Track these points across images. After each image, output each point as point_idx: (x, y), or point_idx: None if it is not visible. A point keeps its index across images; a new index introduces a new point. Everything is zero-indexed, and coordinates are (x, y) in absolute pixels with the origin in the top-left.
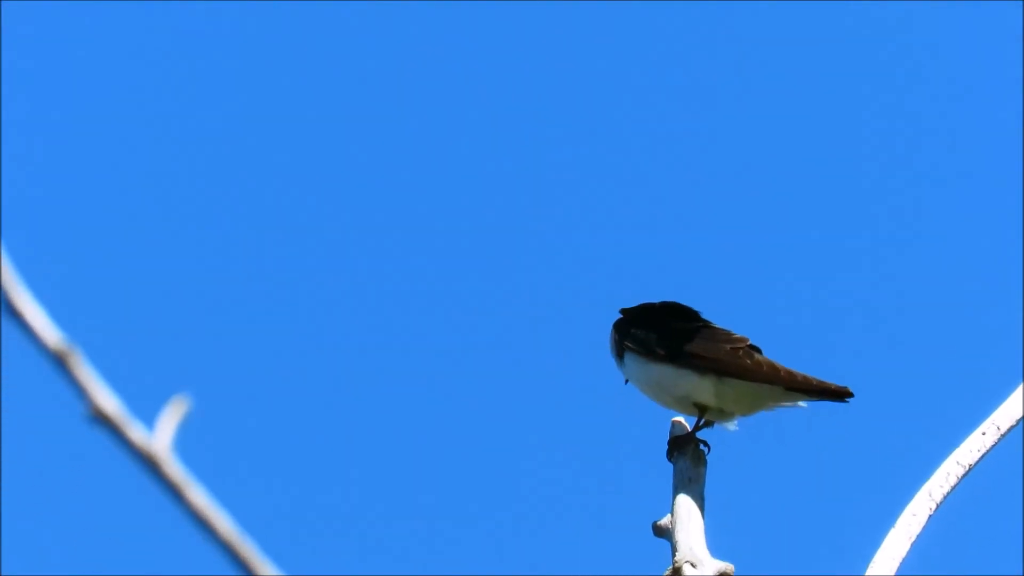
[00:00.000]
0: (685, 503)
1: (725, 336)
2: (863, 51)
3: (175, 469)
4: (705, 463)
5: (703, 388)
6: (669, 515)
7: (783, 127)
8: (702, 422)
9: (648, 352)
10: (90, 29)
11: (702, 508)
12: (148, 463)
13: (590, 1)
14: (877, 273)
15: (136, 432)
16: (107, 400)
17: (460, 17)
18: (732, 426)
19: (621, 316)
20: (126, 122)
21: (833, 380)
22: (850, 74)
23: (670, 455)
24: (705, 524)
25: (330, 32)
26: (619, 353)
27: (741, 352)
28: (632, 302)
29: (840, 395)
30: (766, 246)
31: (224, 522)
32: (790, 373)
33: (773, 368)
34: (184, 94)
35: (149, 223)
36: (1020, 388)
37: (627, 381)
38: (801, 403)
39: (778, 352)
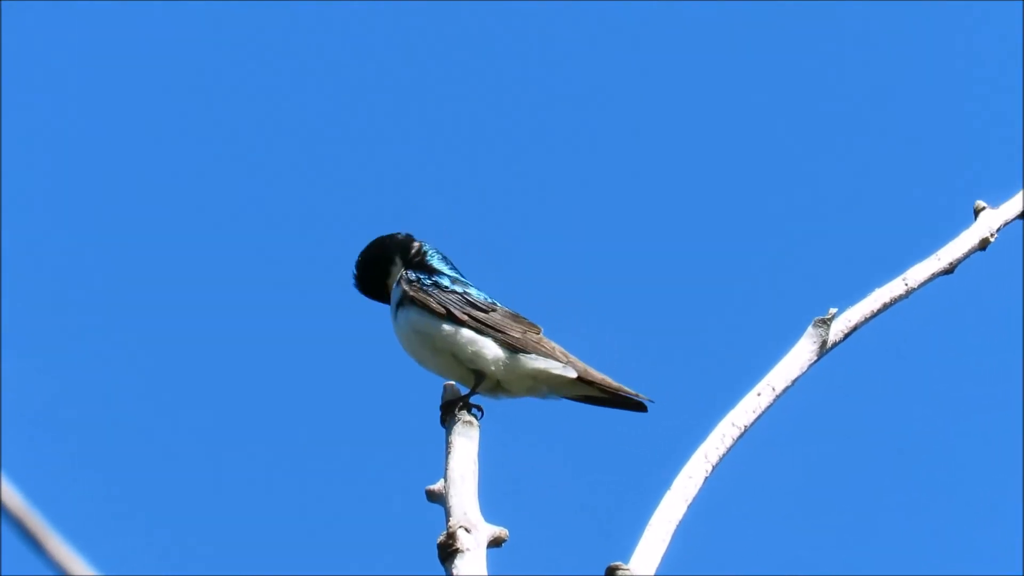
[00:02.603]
0: (458, 468)
1: (518, 318)
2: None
3: None
4: (478, 428)
5: (495, 357)
6: (442, 480)
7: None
8: (476, 388)
9: (439, 311)
10: (89, 29)
11: (475, 473)
12: None
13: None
14: (642, 235)
15: None
16: None
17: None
18: (496, 400)
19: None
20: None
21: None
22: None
23: (443, 420)
24: (479, 489)
25: (326, 31)
26: (401, 303)
27: (537, 335)
28: None
29: (637, 403)
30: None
31: (10, 493)
32: (588, 369)
33: (572, 359)
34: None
35: None
36: (794, 349)
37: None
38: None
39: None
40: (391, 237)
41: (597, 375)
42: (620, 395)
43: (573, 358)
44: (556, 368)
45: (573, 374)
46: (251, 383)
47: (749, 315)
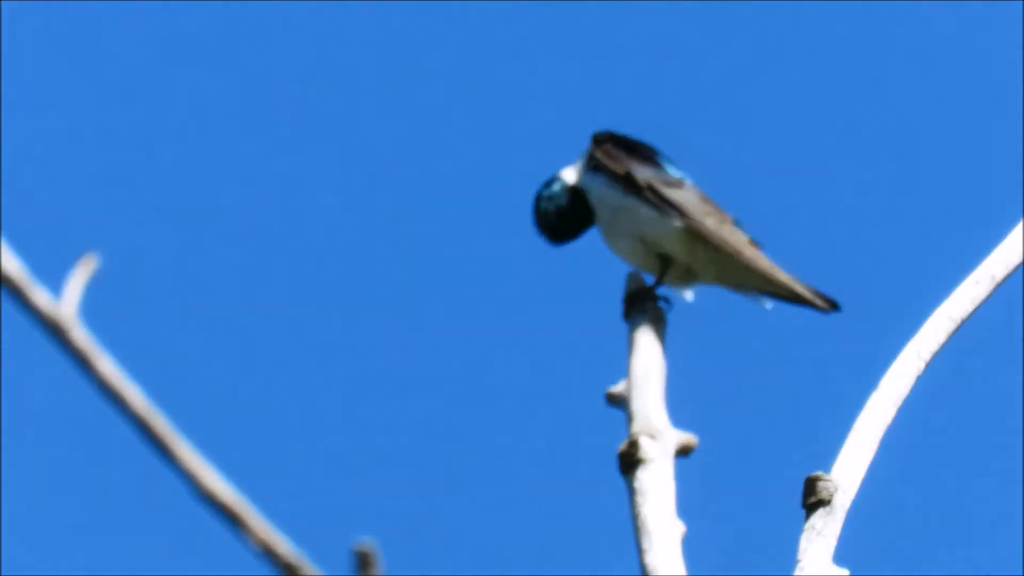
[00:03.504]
0: (642, 368)
1: (712, 202)
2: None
3: (82, 336)
4: (665, 323)
5: (680, 240)
6: (624, 381)
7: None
8: (663, 278)
9: (622, 178)
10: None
11: (662, 374)
12: (53, 330)
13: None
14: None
15: (40, 296)
16: (9, 261)
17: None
18: (689, 295)
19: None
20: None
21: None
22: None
23: (627, 313)
24: (666, 392)
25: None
26: (592, 168)
27: (730, 223)
28: None
29: (823, 306)
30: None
31: (135, 394)
32: (772, 266)
33: (756, 254)
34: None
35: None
36: (1014, 232)
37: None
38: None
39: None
40: None
41: (780, 275)
42: (802, 297)
43: (760, 254)
44: (739, 255)
45: (757, 264)
46: (419, 271)
47: (968, 196)
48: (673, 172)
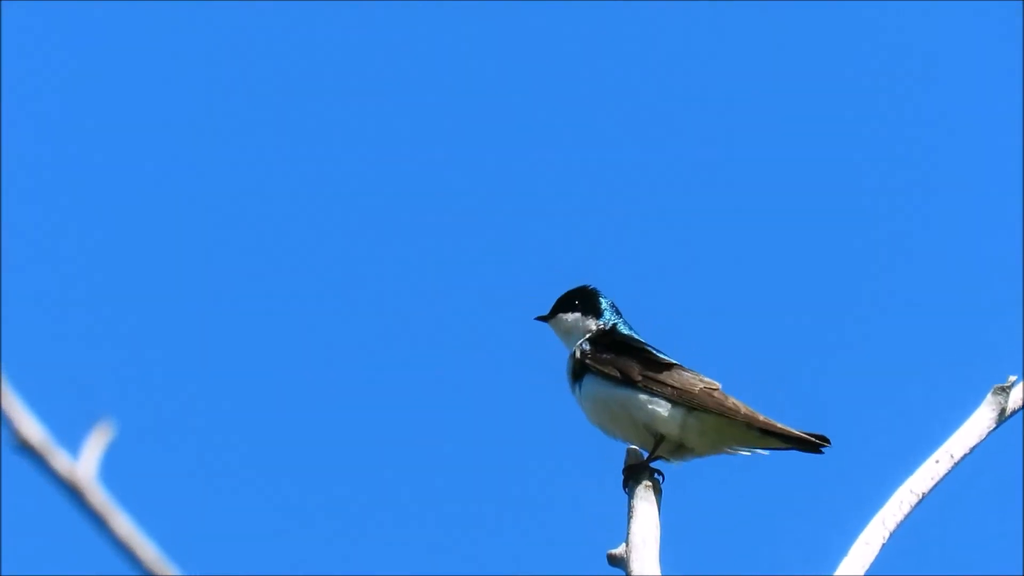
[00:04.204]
0: (640, 532)
1: (697, 376)
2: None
3: (99, 497)
4: (660, 492)
5: (671, 418)
6: (624, 544)
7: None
8: (656, 451)
9: (615, 376)
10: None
11: (657, 537)
12: (72, 491)
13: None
14: (819, 295)
15: (60, 460)
16: (32, 428)
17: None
18: (678, 464)
19: (585, 341)
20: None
21: (781, 414)
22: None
23: (625, 484)
24: (660, 554)
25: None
26: (578, 374)
27: (716, 392)
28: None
29: (815, 445)
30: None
31: (149, 550)
32: (768, 419)
33: (751, 411)
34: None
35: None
36: (973, 417)
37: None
38: (761, 451)
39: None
40: (580, 289)
41: (776, 424)
42: (799, 439)
43: (752, 411)
44: (736, 425)
45: (753, 433)
46: (427, 440)
47: (930, 381)
48: (659, 356)
